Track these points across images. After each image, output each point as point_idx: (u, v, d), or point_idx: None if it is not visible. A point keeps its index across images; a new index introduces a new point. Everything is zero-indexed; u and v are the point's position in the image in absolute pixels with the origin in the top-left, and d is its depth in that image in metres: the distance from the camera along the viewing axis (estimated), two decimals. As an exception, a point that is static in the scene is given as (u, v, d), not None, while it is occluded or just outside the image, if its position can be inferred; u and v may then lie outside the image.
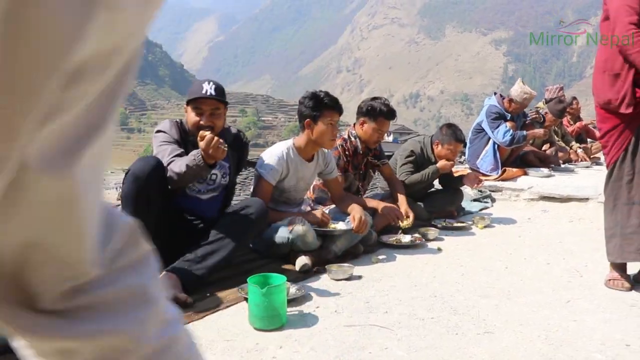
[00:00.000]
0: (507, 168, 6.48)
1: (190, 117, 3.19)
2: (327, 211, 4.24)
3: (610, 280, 3.19)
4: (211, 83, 3.20)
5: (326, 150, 3.92)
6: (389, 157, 4.94)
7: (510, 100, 6.66)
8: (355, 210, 3.75)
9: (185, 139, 3.23)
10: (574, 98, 8.61)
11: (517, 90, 6.70)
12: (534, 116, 7.14)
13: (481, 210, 5.75)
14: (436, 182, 5.54)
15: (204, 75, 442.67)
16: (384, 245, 4.18)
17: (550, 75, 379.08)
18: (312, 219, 3.65)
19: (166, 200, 3.07)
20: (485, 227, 4.94)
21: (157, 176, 2.93)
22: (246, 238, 3.23)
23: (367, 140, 4.40)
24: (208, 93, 3.15)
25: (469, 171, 5.50)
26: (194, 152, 2.95)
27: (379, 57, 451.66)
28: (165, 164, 3.00)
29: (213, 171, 3.25)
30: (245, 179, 11.39)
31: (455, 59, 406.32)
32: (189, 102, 3.21)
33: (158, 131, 3.21)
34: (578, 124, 9.00)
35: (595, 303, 2.92)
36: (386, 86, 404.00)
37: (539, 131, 6.82)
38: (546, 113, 7.47)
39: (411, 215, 4.30)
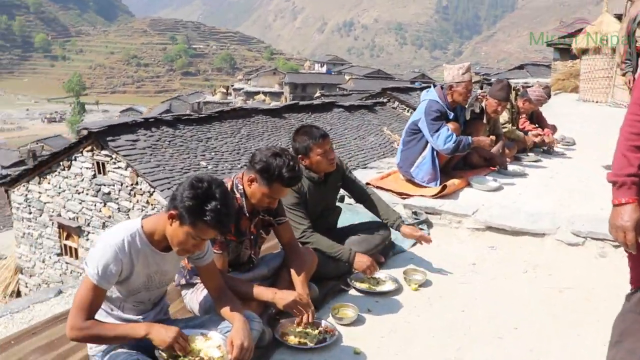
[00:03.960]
0: (446, 184, 5.30)
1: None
2: (203, 295, 3.04)
3: None
4: None
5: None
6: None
7: (451, 88, 5.45)
8: (235, 330, 2.53)
9: None
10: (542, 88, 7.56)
11: (452, 73, 5.46)
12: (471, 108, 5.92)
13: (415, 245, 4.59)
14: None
15: (130, 1, 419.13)
16: (282, 345, 3.03)
17: (483, 6, 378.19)
18: (160, 342, 2.41)
19: None
20: (419, 286, 3.85)
21: None
22: None
23: (254, 203, 3.14)
24: None
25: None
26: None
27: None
28: None
29: None
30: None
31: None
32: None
33: None
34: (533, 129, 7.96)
35: None
36: (320, 14, 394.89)
37: (485, 139, 5.64)
38: (487, 100, 6.32)
39: (310, 314, 3.07)
